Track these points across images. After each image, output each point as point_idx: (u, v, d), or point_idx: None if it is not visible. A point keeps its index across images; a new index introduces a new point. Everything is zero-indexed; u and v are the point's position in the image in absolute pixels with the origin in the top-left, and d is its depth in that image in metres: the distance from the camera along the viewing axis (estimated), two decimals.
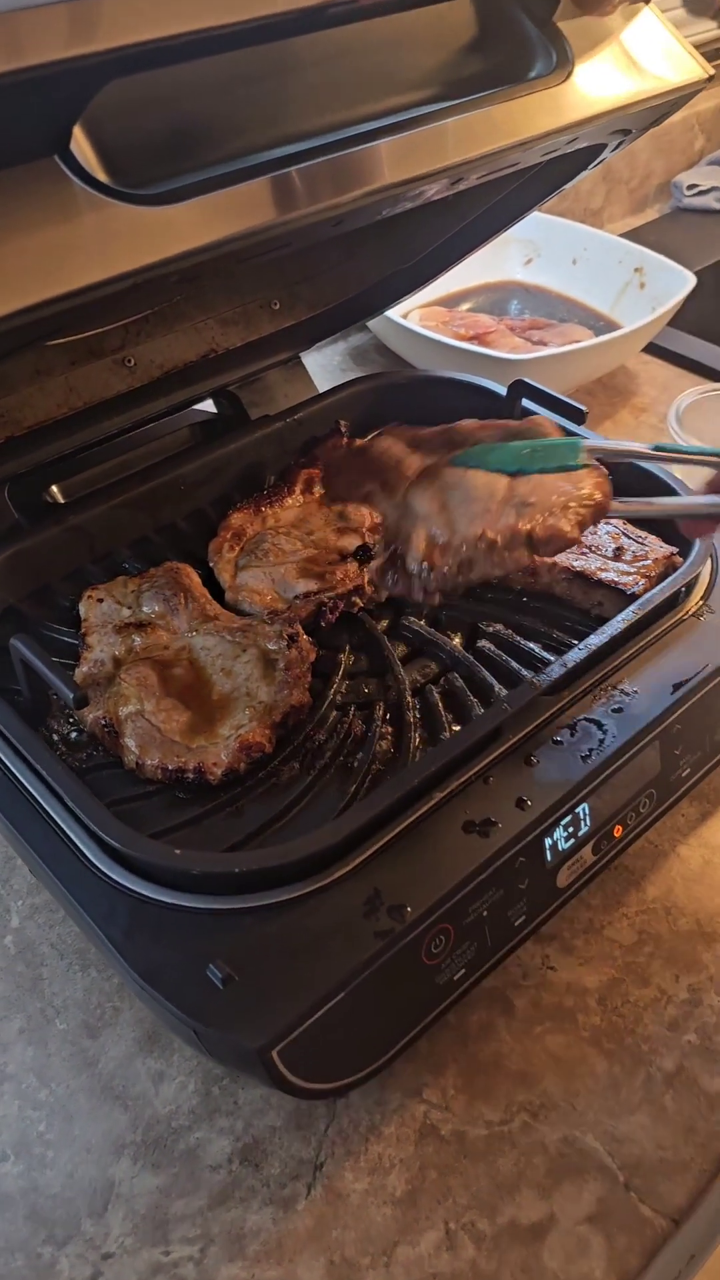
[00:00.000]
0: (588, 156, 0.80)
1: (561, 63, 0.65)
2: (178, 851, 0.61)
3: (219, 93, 0.56)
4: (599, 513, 0.65)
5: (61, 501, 0.93)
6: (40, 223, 0.48)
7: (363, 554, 0.83)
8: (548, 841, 0.67)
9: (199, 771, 0.68)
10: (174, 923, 0.60)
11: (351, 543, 0.85)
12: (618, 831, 0.72)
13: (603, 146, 0.78)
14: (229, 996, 0.57)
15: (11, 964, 0.73)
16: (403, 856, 0.63)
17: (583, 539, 0.65)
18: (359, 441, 0.79)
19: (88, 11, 0.46)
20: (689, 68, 0.70)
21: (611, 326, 1.32)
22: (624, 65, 0.68)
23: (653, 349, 1.34)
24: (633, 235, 1.55)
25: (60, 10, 0.45)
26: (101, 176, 0.51)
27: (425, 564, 0.67)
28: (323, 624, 0.80)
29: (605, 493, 0.66)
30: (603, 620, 0.80)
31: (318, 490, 0.92)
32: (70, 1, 0.46)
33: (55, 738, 0.74)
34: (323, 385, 1.12)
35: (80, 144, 0.51)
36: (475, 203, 0.90)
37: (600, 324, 1.33)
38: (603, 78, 0.67)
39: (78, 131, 0.50)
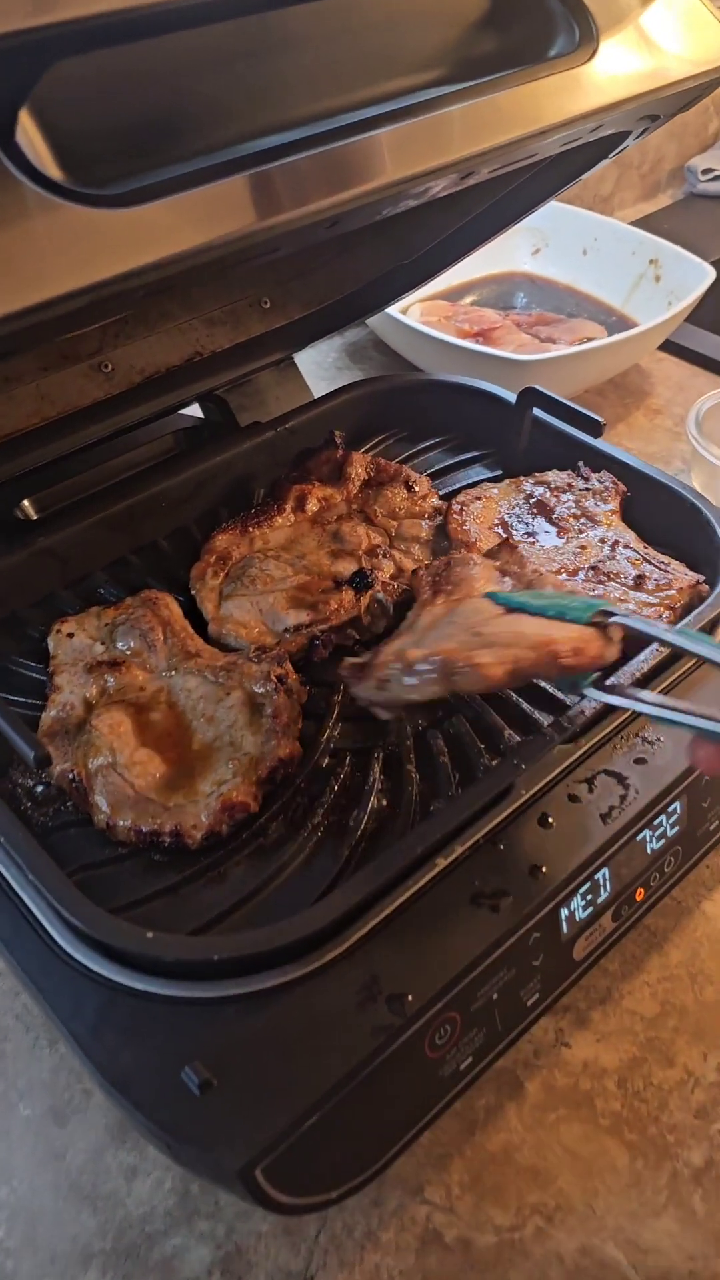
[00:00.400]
0: (609, 145, 0.72)
1: (585, 40, 0.57)
2: (149, 935, 0.54)
3: (194, 75, 0.48)
4: (542, 668, 0.55)
5: (34, 517, 0.86)
6: None
7: (359, 581, 0.76)
8: (564, 912, 0.60)
9: (176, 835, 0.61)
10: (146, 1015, 0.54)
11: (347, 568, 0.78)
12: (640, 895, 0.66)
13: (626, 134, 0.70)
14: (207, 1105, 0.51)
15: None
16: (403, 935, 0.56)
17: (507, 682, 0.56)
18: (455, 556, 0.71)
19: None
20: None
21: (624, 322, 1.24)
22: (655, 43, 0.60)
23: (668, 346, 1.26)
24: (644, 223, 1.47)
25: None
26: (53, 173, 0.44)
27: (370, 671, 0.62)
28: (315, 658, 0.73)
29: (574, 648, 0.55)
30: (622, 654, 0.73)
31: (310, 507, 0.85)
32: None
33: (19, 790, 0.67)
34: (317, 386, 1.05)
35: (27, 134, 0.43)
36: (483, 196, 0.83)
37: (612, 319, 1.26)
38: (631, 57, 0.59)
39: (24, 119, 0.43)
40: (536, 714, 0.69)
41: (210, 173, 0.45)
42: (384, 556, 0.79)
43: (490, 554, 0.74)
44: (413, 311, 1.23)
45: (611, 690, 0.58)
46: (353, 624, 0.75)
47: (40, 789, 0.66)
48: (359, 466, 0.87)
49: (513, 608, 0.61)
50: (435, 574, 0.70)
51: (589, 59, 0.57)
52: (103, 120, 0.46)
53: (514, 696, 0.71)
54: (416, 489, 0.86)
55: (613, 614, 0.58)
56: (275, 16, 0.51)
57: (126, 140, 0.47)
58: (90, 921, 0.55)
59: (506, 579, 0.68)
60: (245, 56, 0.51)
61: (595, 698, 0.59)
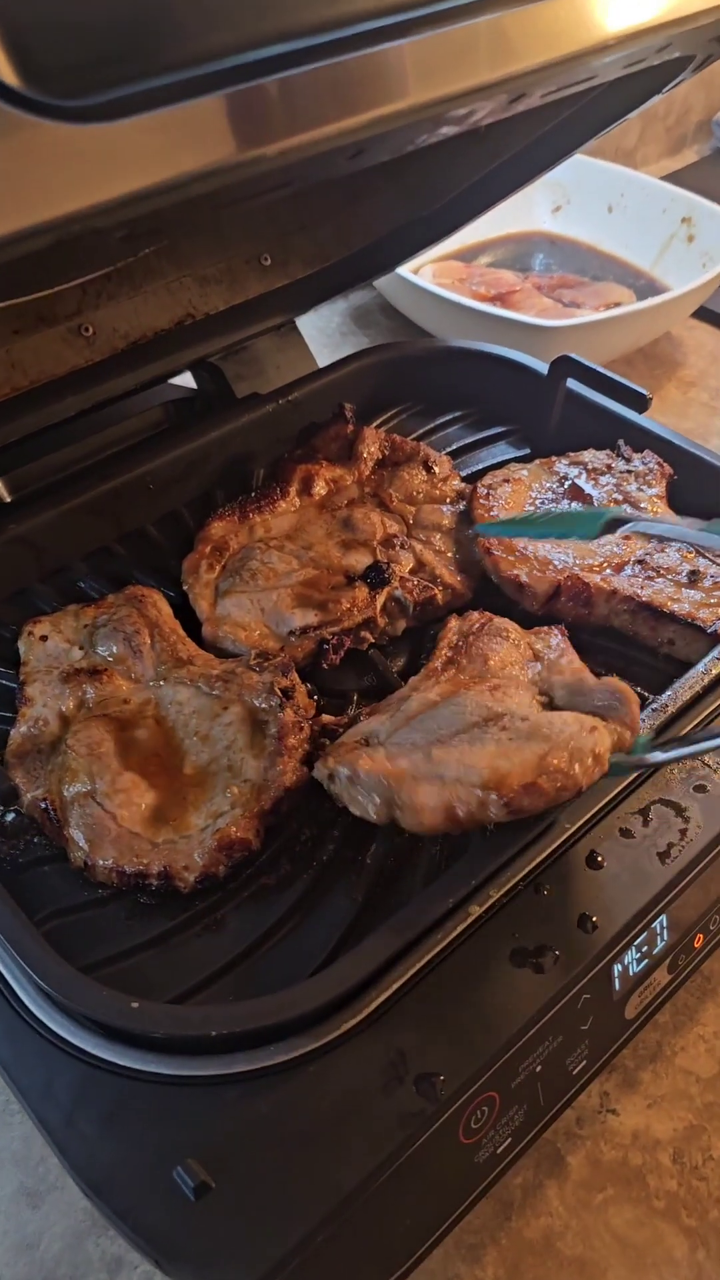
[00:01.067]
0: (666, 75, 0.63)
1: None
2: (135, 1004, 0.46)
3: None
4: (484, 816, 0.49)
5: (7, 499, 0.77)
6: None
7: (374, 576, 0.67)
8: (616, 969, 0.52)
9: (165, 877, 0.52)
10: (131, 1097, 0.46)
11: (360, 561, 0.69)
12: (699, 941, 0.58)
13: (688, 61, 0.60)
14: (204, 1213, 0.43)
15: None
16: (432, 1000, 0.48)
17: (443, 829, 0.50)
18: (494, 617, 0.62)
19: None
20: None
21: (653, 285, 1.15)
22: None
23: (702, 313, 1.16)
24: (671, 179, 1.37)
25: None
26: (8, 79, 0.34)
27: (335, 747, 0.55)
28: (325, 665, 0.64)
29: (526, 784, 0.48)
30: (674, 662, 0.65)
31: (318, 490, 0.76)
32: None
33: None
34: (320, 354, 0.95)
35: None
36: (512, 136, 0.73)
37: (640, 282, 1.16)
38: None
39: None
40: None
41: (206, 82, 0.36)
42: (402, 548, 0.70)
43: (551, 599, 0.66)
44: (424, 273, 1.13)
45: (676, 744, 0.50)
46: (367, 625, 0.66)
47: (11, 816, 0.57)
48: (372, 444, 0.78)
49: (508, 537, 0.59)
50: (465, 634, 0.61)
51: None
52: (74, 17, 0.37)
53: None
54: (437, 470, 0.76)
55: (624, 520, 0.54)
56: None
57: (103, 43, 0.37)
58: (63, 986, 0.47)
59: (538, 664, 0.59)
60: None
61: (661, 760, 0.51)
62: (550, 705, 0.56)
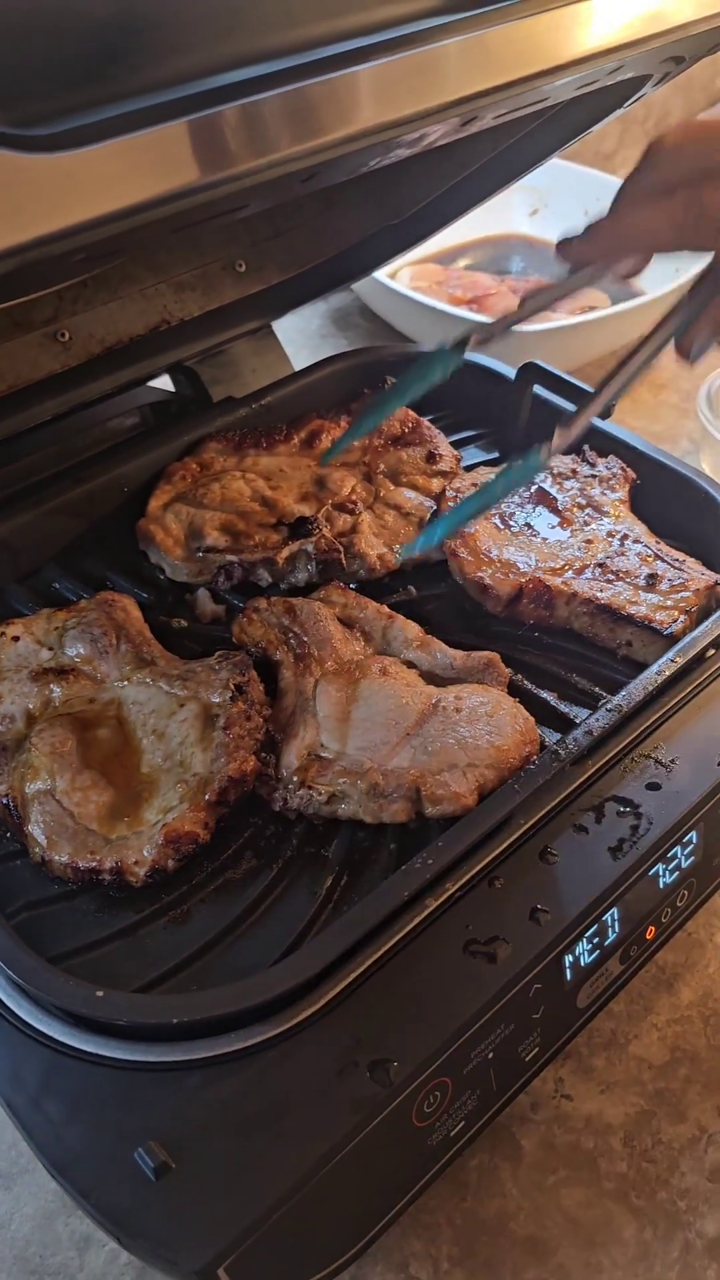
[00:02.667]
0: (625, 91, 0.65)
1: None
2: (99, 993, 0.48)
3: None
4: (507, 778, 0.57)
5: None
6: None
7: (299, 527, 0.73)
8: (568, 959, 0.54)
9: (116, 872, 0.54)
10: (95, 1082, 0.48)
11: (303, 510, 0.74)
12: (650, 933, 0.59)
13: (646, 78, 0.62)
14: (163, 1192, 0.44)
15: None
16: (388, 989, 0.50)
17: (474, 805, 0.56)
18: (293, 600, 0.68)
19: None
20: None
21: (628, 289, 1.17)
22: None
23: None
24: None
25: None
26: None
27: (295, 778, 0.58)
28: (216, 585, 0.71)
29: (524, 754, 0.58)
30: (632, 663, 0.67)
31: (320, 445, 0.80)
32: None
33: None
34: (299, 356, 0.97)
35: None
36: (481, 148, 0.75)
37: (615, 286, 1.18)
38: None
39: None
40: (538, 730, 0.63)
41: (162, 111, 0.38)
42: (351, 513, 0.73)
43: (513, 600, 0.69)
44: (402, 276, 1.15)
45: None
46: (267, 565, 0.71)
47: None
48: (394, 420, 0.82)
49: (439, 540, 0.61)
50: (284, 628, 0.66)
51: None
52: (32, 47, 0.38)
53: None
54: (437, 462, 0.79)
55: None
56: None
57: (61, 72, 0.39)
58: (31, 975, 0.49)
59: (356, 631, 0.67)
60: None
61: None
62: (430, 676, 0.65)
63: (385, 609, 0.68)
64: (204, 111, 0.39)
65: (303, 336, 1.16)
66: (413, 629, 0.67)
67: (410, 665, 0.65)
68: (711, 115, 0.48)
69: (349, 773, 0.57)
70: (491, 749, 0.58)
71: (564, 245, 0.54)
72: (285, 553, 0.70)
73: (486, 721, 0.59)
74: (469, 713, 0.60)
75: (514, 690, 0.65)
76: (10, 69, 0.38)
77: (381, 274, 1.03)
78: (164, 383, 0.89)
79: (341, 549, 0.71)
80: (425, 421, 0.83)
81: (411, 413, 0.82)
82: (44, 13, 0.39)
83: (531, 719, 0.61)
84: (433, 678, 0.64)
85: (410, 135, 0.44)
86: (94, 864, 0.54)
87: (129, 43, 0.41)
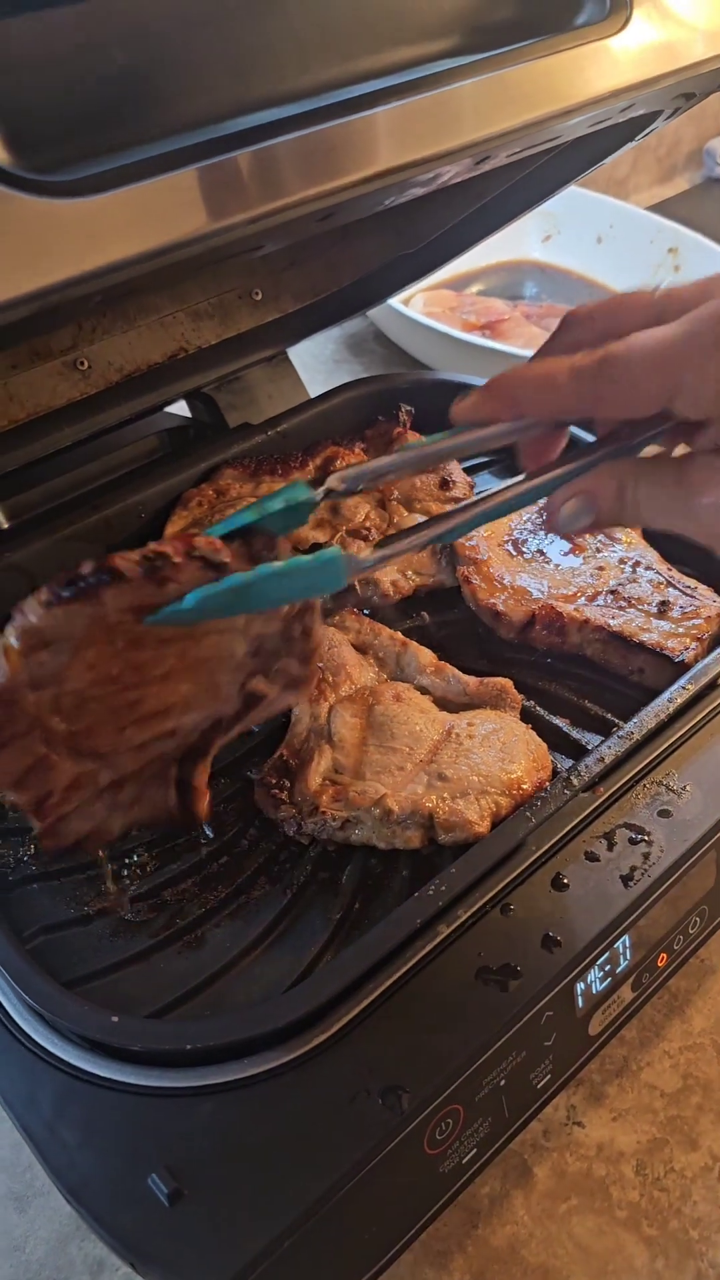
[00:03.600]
0: (637, 125, 0.66)
1: (618, 6, 0.50)
2: (115, 1019, 0.48)
3: (164, 38, 0.41)
4: (520, 805, 0.58)
5: (4, 526, 0.80)
6: None
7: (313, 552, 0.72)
8: (580, 987, 0.54)
9: None
10: (110, 1107, 0.48)
11: (318, 537, 0.75)
12: (662, 960, 0.59)
13: (657, 113, 0.63)
14: (177, 1218, 0.45)
15: None
16: (400, 1016, 0.50)
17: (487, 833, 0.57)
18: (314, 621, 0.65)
19: None
20: None
21: None
22: (694, 10, 0.53)
23: None
24: (661, 208, 1.40)
25: None
26: (1, 158, 0.37)
27: (311, 800, 0.59)
28: None
29: (536, 781, 0.59)
30: (644, 689, 0.67)
31: (335, 470, 0.80)
32: None
33: None
34: (313, 381, 0.98)
35: None
36: (496, 180, 0.76)
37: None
38: (669, 27, 0.52)
39: None
40: (551, 756, 0.63)
41: (180, 156, 0.39)
42: (365, 539, 0.74)
43: (526, 627, 0.70)
44: (416, 302, 1.16)
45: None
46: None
47: None
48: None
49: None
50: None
51: (621, 28, 0.50)
52: (55, 92, 0.40)
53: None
54: (451, 489, 0.80)
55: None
56: None
57: (83, 116, 0.40)
58: (47, 1001, 0.49)
59: (370, 657, 0.68)
60: (224, 16, 0.44)
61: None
62: (443, 702, 0.65)
63: (399, 635, 0.69)
64: (221, 156, 0.40)
65: (317, 362, 1.17)
66: (426, 655, 0.67)
67: (424, 691, 0.65)
68: (629, 292, 0.46)
69: (363, 798, 0.57)
70: (504, 776, 0.58)
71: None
72: None
73: (499, 749, 0.60)
74: (481, 740, 0.60)
75: (526, 716, 0.65)
76: (30, 114, 0.39)
77: (395, 300, 1.04)
78: (180, 408, 0.90)
79: None
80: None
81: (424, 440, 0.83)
82: (63, 59, 0.40)
83: (544, 745, 0.61)
84: (446, 703, 0.65)
85: (425, 175, 0.45)
86: None
87: (147, 87, 0.42)
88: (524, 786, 0.58)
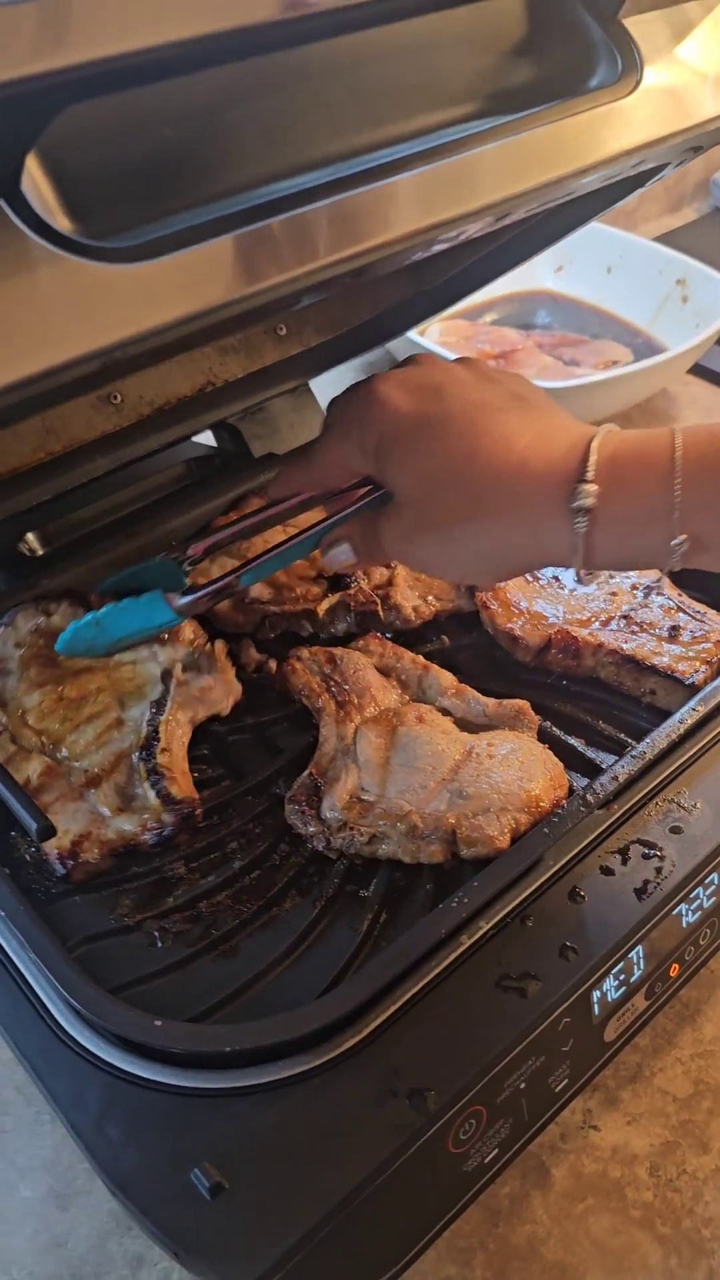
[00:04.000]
0: (647, 174, 0.69)
1: (629, 69, 0.54)
2: (157, 1023, 0.51)
3: (208, 111, 0.45)
4: (539, 821, 0.61)
5: (39, 552, 0.83)
6: None
7: (339, 581, 0.78)
8: (596, 995, 0.57)
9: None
10: (153, 1106, 0.51)
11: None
12: (674, 970, 0.62)
13: (666, 163, 0.66)
14: (218, 1211, 0.48)
15: None
16: (424, 1022, 0.53)
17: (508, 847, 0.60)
18: (334, 650, 0.72)
19: (35, 19, 0.35)
20: None
21: (650, 343, 1.21)
22: (702, 73, 0.57)
23: (696, 369, 1.22)
24: (669, 238, 1.44)
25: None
26: (61, 224, 0.40)
27: (340, 816, 0.62)
28: (259, 636, 0.76)
29: (554, 799, 0.62)
30: (656, 710, 0.70)
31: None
32: (10, 5, 0.35)
33: (28, 852, 0.63)
34: None
35: (34, 180, 0.40)
36: (512, 225, 0.79)
37: (638, 340, 1.22)
38: (677, 89, 0.55)
39: (30, 164, 0.39)
40: (567, 775, 0.66)
41: (225, 223, 0.42)
42: (387, 566, 0.78)
43: (542, 650, 0.74)
44: (431, 332, 1.19)
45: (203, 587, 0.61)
46: (307, 616, 0.75)
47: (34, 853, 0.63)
48: None
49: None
50: (325, 677, 0.70)
51: (632, 91, 0.53)
52: (110, 163, 0.43)
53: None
54: None
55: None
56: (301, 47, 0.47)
57: (136, 184, 0.43)
58: (94, 1005, 0.52)
59: (394, 680, 0.71)
60: (263, 90, 0.47)
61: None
62: (463, 723, 0.68)
63: (420, 659, 0.72)
64: (261, 222, 0.43)
65: (336, 390, 1.20)
66: (447, 678, 0.70)
67: (445, 713, 0.68)
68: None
69: (389, 815, 0.60)
70: (523, 794, 0.61)
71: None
72: (325, 605, 0.74)
73: (518, 767, 0.63)
74: (501, 759, 0.63)
75: (543, 736, 0.68)
76: (88, 185, 0.43)
77: (412, 331, 1.08)
78: (206, 437, 0.94)
79: (378, 601, 0.75)
80: None
81: None
82: (118, 135, 0.44)
83: (560, 765, 0.64)
84: (466, 724, 0.68)
85: (450, 233, 0.48)
86: None
87: (193, 158, 0.45)
88: (542, 804, 0.61)
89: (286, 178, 0.46)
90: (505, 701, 0.68)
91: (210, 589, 0.60)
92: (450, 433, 0.52)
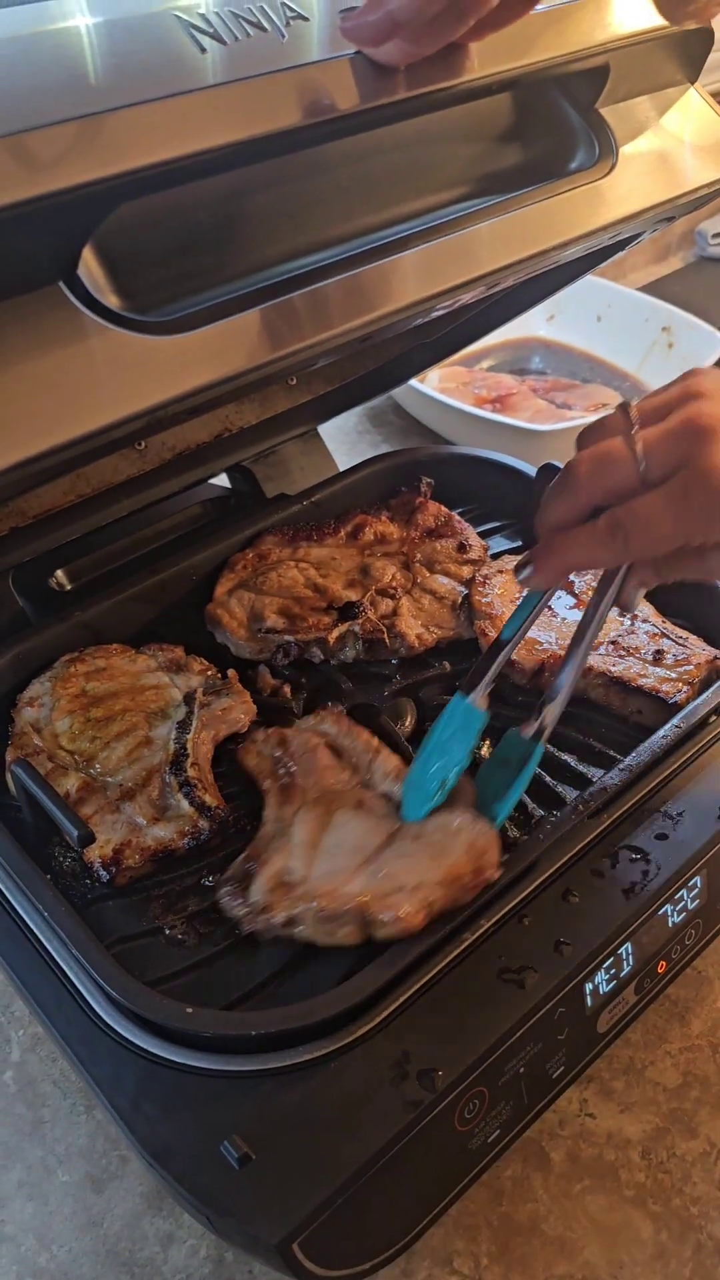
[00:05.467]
0: (627, 240, 0.76)
1: (605, 153, 0.61)
2: (189, 1010, 0.56)
3: (238, 200, 0.52)
4: (462, 899, 0.60)
5: (68, 587, 0.89)
6: (38, 360, 0.43)
7: (348, 611, 0.83)
8: (588, 987, 0.62)
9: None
10: (185, 1087, 0.56)
11: (350, 596, 0.84)
12: (661, 967, 0.67)
13: (639, 234, 0.73)
14: (246, 1179, 0.52)
15: (11, 1104, 0.69)
16: (432, 1010, 0.58)
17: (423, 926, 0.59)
18: (286, 731, 0.73)
19: (97, 133, 0.42)
20: None
21: (638, 387, 1.28)
22: (670, 153, 0.64)
23: None
24: (655, 287, 1.51)
25: (68, 130, 0.41)
26: (111, 301, 0.47)
27: (263, 899, 0.62)
28: (274, 661, 0.82)
29: (475, 868, 0.60)
30: (642, 728, 0.76)
31: (365, 538, 0.91)
32: (77, 120, 0.41)
33: (67, 862, 0.69)
34: (338, 450, 1.08)
35: (88, 266, 0.46)
36: (503, 289, 0.86)
37: (626, 384, 1.29)
38: (648, 169, 0.62)
39: (85, 253, 0.46)
40: (560, 788, 0.72)
41: (255, 297, 0.48)
42: (391, 597, 0.83)
43: (537, 674, 0.78)
44: (431, 378, 1.26)
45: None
46: (319, 644, 0.81)
47: (69, 862, 0.68)
48: (429, 515, 0.91)
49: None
50: (276, 760, 0.71)
51: (608, 172, 0.60)
52: (153, 246, 0.49)
53: (536, 769, 0.73)
54: (468, 552, 0.89)
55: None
56: None
57: (175, 263, 0.50)
58: (131, 995, 0.57)
59: (341, 758, 0.71)
60: (284, 179, 0.54)
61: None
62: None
63: (375, 741, 0.72)
64: (283, 297, 0.50)
65: (342, 433, 1.27)
66: (392, 762, 0.69)
67: (387, 798, 0.68)
68: (606, 443, 0.55)
69: (304, 897, 0.61)
70: (440, 867, 0.59)
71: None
72: (335, 633, 0.80)
73: (441, 843, 0.61)
74: (427, 837, 0.62)
75: None
76: (133, 265, 0.49)
77: (413, 378, 1.15)
78: (221, 479, 1.00)
79: (384, 629, 0.81)
80: (456, 516, 0.93)
81: (444, 508, 0.92)
82: (160, 222, 0.50)
83: (493, 834, 0.62)
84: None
85: (448, 302, 0.55)
86: None
87: (225, 239, 0.52)
88: (462, 875, 0.59)
89: (305, 255, 0.53)
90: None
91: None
92: None
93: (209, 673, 0.78)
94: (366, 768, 0.70)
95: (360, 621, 0.81)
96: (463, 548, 0.89)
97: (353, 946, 0.60)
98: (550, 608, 0.83)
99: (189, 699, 0.73)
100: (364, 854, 0.63)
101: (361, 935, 0.59)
